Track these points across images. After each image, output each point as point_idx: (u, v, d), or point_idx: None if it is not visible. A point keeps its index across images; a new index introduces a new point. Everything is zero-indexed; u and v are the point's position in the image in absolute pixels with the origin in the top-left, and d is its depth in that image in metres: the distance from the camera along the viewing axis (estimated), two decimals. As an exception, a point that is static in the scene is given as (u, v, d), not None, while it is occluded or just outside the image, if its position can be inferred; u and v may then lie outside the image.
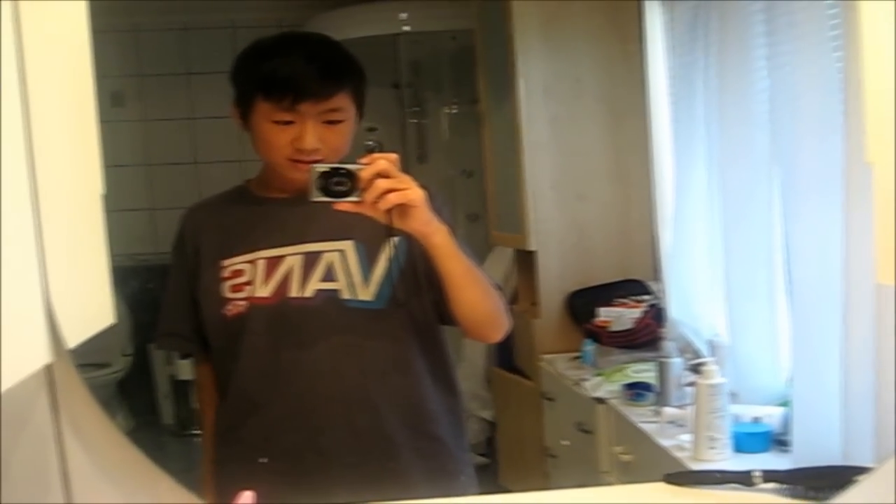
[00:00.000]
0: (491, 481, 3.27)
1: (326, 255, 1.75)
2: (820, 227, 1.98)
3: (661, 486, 1.60)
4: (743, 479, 1.55)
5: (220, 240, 1.80)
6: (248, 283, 1.75)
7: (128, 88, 4.04)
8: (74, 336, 1.18)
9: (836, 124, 1.86)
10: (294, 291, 1.73)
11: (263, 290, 1.74)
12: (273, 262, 1.75)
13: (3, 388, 0.98)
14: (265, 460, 1.75)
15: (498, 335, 1.82)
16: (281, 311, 1.73)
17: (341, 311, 1.74)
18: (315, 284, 1.74)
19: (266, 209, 1.81)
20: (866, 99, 1.22)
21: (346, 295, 1.73)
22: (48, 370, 1.30)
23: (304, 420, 1.75)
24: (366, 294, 1.74)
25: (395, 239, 1.66)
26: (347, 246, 1.75)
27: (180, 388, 3.44)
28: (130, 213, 3.85)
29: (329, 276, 1.74)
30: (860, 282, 1.81)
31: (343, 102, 1.74)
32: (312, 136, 1.71)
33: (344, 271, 1.74)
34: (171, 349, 2.36)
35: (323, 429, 1.75)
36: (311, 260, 1.74)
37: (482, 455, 3.46)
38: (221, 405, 1.83)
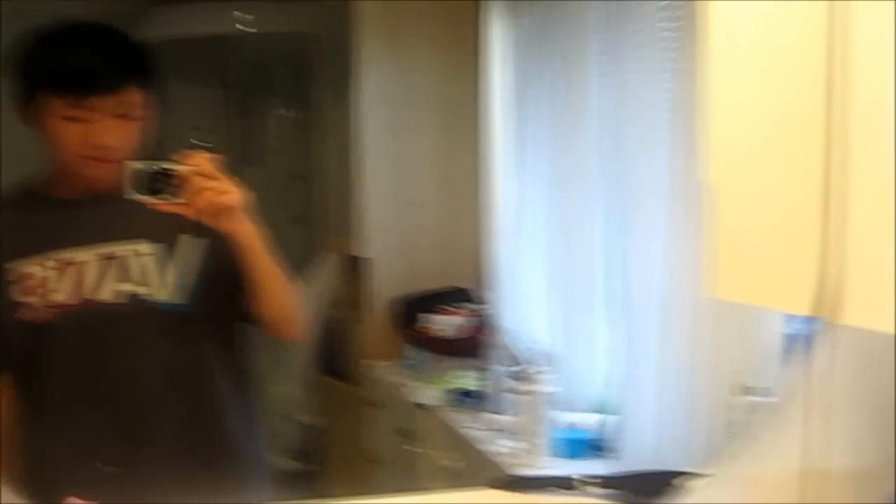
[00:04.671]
0: (310, 487, 3.25)
1: (123, 255, 1.68)
2: (644, 241, 2.04)
3: (485, 492, 1.63)
4: (563, 484, 1.59)
5: (7, 243, 1.69)
6: (39, 287, 1.66)
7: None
8: None
9: (665, 142, 1.93)
10: (89, 294, 1.66)
11: (57, 295, 1.66)
12: (67, 265, 1.67)
13: None
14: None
15: (295, 332, 1.80)
16: (77, 314, 1.66)
17: (140, 312, 1.68)
18: (112, 286, 1.67)
19: (59, 209, 1.71)
20: (710, 120, 1.25)
21: (144, 296, 1.68)
22: None
23: (104, 421, 1.68)
24: (163, 294, 1.68)
25: (197, 237, 1.62)
26: (144, 246, 1.68)
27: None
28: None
29: (125, 276, 1.67)
30: (679, 294, 1.88)
31: (134, 96, 1.65)
32: (104, 133, 1.62)
33: (141, 272, 1.68)
34: None
35: (120, 429, 1.69)
36: (106, 261, 1.68)
37: (300, 460, 3.44)
38: (26, 411, 1.75)
